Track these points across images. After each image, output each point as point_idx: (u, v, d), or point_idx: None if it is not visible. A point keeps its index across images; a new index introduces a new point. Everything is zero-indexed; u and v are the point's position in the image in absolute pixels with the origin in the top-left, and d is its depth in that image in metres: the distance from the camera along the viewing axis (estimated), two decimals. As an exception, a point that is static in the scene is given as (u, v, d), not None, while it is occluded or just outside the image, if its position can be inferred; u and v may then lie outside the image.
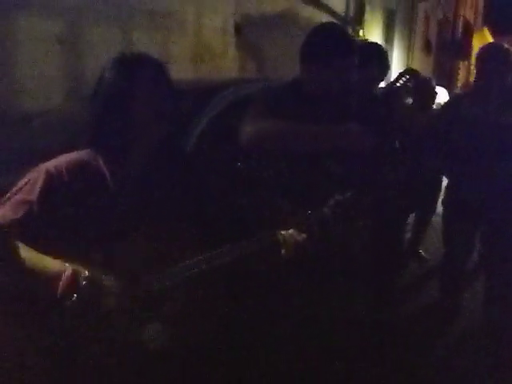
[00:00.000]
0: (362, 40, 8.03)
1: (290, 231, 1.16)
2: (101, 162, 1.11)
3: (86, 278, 0.98)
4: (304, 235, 1.15)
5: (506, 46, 2.29)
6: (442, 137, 2.35)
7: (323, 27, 1.61)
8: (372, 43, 2.99)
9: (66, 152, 1.13)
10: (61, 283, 0.96)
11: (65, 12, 3.13)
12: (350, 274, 1.46)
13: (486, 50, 2.32)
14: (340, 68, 1.44)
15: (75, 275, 0.98)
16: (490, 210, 2.26)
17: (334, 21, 7.86)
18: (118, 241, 1.05)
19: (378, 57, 2.35)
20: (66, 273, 0.97)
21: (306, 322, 1.39)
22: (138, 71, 1.10)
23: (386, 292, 2.41)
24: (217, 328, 1.16)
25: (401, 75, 2.00)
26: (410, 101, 2.84)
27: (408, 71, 2.07)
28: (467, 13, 19.61)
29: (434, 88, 2.25)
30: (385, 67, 2.41)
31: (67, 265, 0.99)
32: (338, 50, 1.43)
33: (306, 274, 1.30)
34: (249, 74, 5.49)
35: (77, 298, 0.96)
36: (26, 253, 0.99)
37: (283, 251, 1.15)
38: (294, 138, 1.41)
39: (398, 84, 1.99)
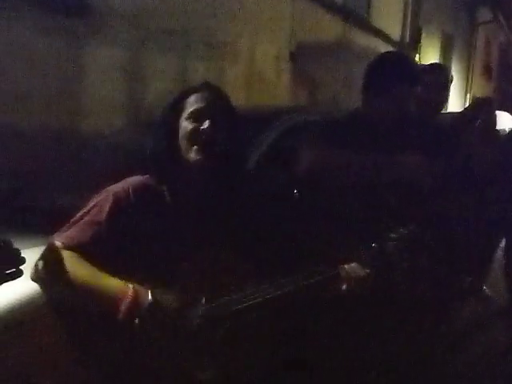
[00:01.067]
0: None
1: (353, 265, 1.10)
2: (163, 186, 1.13)
3: (149, 302, 0.97)
4: (367, 270, 1.08)
5: None
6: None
7: (386, 56, 1.58)
8: (435, 65, 2.86)
9: (128, 175, 1.17)
10: (123, 305, 0.96)
11: (129, 42, 3.32)
12: (412, 312, 1.36)
13: None
14: (403, 97, 1.39)
15: (138, 297, 0.97)
16: None
17: (389, 47, 7.79)
18: (178, 264, 1.05)
19: (441, 80, 2.24)
20: (129, 294, 0.97)
21: (362, 361, 1.30)
22: (185, 101, 1.11)
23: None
24: (269, 364, 1.10)
25: (477, 103, 1.90)
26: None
27: (484, 99, 1.96)
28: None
29: (495, 109, 2.12)
30: (447, 91, 2.30)
31: (129, 285, 0.99)
32: (401, 80, 1.39)
33: (366, 311, 1.22)
34: (303, 100, 5.51)
35: (139, 321, 0.95)
36: (86, 270, 1.01)
37: (344, 286, 1.09)
38: (352, 168, 1.37)
39: (470, 111, 1.89)
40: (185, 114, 1.09)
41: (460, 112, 2.25)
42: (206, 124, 1.06)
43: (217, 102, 1.12)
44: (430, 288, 1.50)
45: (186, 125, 1.09)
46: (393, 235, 1.14)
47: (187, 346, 0.99)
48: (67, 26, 2.84)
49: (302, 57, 5.49)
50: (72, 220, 1.09)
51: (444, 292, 2.09)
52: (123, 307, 0.96)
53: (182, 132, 1.09)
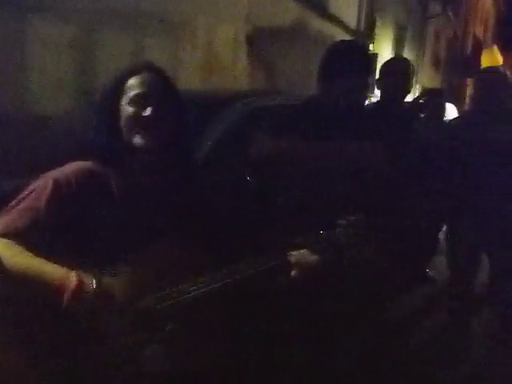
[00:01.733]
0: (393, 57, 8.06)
1: (302, 251, 1.12)
2: (108, 171, 1.08)
3: (94, 288, 0.93)
4: (316, 256, 1.11)
5: (502, 69, 2.31)
6: (451, 153, 2.33)
7: (340, 44, 1.60)
8: (400, 59, 2.94)
9: (73, 159, 1.11)
10: (65, 293, 0.92)
11: (78, 17, 3.15)
12: (362, 297, 1.41)
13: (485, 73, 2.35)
14: (355, 85, 1.42)
15: (82, 284, 0.93)
16: (498, 228, 2.23)
17: (345, 34, 7.92)
18: (124, 252, 1.02)
19: (404, 73, 2.31)
20: (72, 282, 0.93)
21: (313, 345, 1.35)
22: (125, 85, 1.05)
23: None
24: (219, 352, 1.11)
25: (425, 93, 1.98)
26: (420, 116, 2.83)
27: (434, 90, 2.05)
28: (477, 30, 19.69)
29: (444, 99, 2.24)
30: (409, 83, 2.37)
31: (72, 273, 0.95)
32: (354, 68, 1.41)
33: (316, 297, 1.26)
34: (259, 84, 5.50)
35: (81, 310, 0.93)
36: (25, 258, 0.96)
37: (293, 272, 1.09)
38: (306, 155, 1.39)
39: (421, 101, 1.97)
40: (125, 99, 1.04)
41: (411, 101, 2.35)
42: (148, 111, 1.02)
43: (159, 86, 1.07)
44: (377, 273, 1.56)
45: (126, 109, 1.04)
46: (341, 222, 1.17)
47: (136, 335, 0.97)
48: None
49: (259, 40, 5.46)
50: (8, 206, 1.02)
51: (390, 277, 2.21)
52: (66, 295, 0.92)
53: (123, 117, 1.04)
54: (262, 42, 5.53)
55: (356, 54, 1.49)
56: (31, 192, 1.04)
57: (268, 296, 1.17)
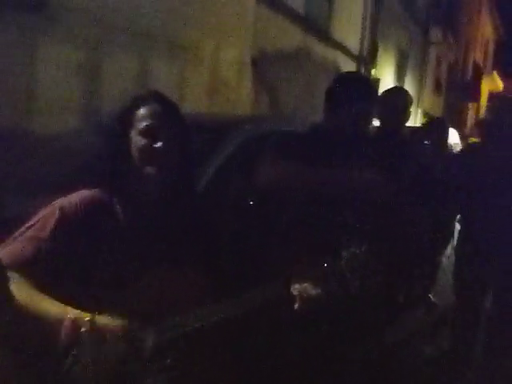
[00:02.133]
0: (375, 81, 8.18)
1: (305, 285, 1.09)
2: (114, 200, 1.09)
3: (86, 330, 0.92)
4: (319, 289, 1.10)
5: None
6: (458, 181, 2.34)
7: (346, 75, 1.65)
8: (396, 89, 3.00)
9: (79, 182, 1.12)
10: (62, 332, 0.91)
11: (86, 39, 3.22)
12: (363, 329, 1.40)
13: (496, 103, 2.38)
14: (360, 115, 1.45)
15: (76, 324, 0.92)
16: (505, 259, 2.22)
17: (347, 59, 8.05)
18: (128, 282, 1.01)
19: (401, 104, 2.35)
20: (66, 322, 0.92)
21: (315, 378, 1.32)
22: (135, 115, 1.05)
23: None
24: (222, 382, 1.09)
25: (428, 124, 2.01)
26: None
27: (437, 120, 2.07)
28: (477, 57, 20.01)
29: (448, 128, 2.26)
30: (407, 114, 2.41)
31: (69, 310, 0.94)
32: (358, 98, 1.45)
33: (318, 329, 1.24)
34: (262, 108, 5.57)
35: (77, 350, 0.91)
36: (27, 292, 0.95)
37: (296, 306, 1.08)
38: (309, 182, 1.40)
39: (425, 130, 2.00)
40: (135, 129, 1.06)
41: (414, 129, 2.37)
42: (159, 143, 1.04)
43: (167, 117, 1.09)
44: (380, 302, 1.55)
45: (137, 140, 1.05)
46: (345, 254, 1.15)
47: (136, 370, 0.95)
48: (22, 21, 2.72)
49: (264, 64, 5.55)
50: (15, 234, 1.02)
51: (393, 304, 2.19)
52: (62, 335, 0.91)
53: (134, 147, 1.05)
54: (266, 65, 5.62)
55: (361, 84, 1.52)
56: (38, 221, 1.04)
57: (270, 328, 1.16)
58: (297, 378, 1.31)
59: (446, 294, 3.22)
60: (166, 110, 1.10)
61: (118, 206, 1.08)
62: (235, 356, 1.14)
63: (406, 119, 2.34)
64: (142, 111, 1.08)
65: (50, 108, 2.95)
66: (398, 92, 2.42)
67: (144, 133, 1.06)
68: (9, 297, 0.92)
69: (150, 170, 1.05)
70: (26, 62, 2.81)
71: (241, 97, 5.22)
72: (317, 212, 1.39)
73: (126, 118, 1.08)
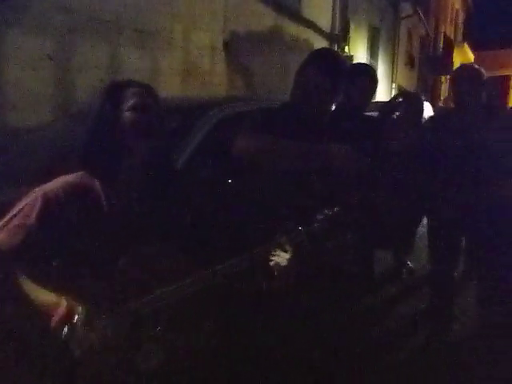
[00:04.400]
0: (349, 58, 8.23)
1: (281, 253, 1.17)
2: (95, 183, 1.13)
3: (79, 317, 0.99)
4: (293, 253, 1.17)
5: (475, 66, 2.41)
6: (430, 151, 2.42)
7: (316, 52, 1.68)
8: (361, 64, 3.05)
9: (59, 171, 1.15)
10: (53, 319, 0.98)
11: (54, 30, 3.16)
12: (339, 288, 1.48)
13: (459, 72, 2.45)
14: (331, 90, 1.50)
15: (69, 312, 0.99)
16: (474, 222, 2.33)
17: (320, 37, 8.06)
18: (114, 260, 1.06)
19: (368, 78, 2.40)
20: (60, 309, 0.99)
21: (294, 340, 1.40)
22: (123, 95, 1.15)
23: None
24: (208, 348, 1.16)
25: (395, 97, 2.07)
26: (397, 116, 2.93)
27: (404, 94, 2.12)
28: (448, 29, 20.21)
29: (423, 103, 2.33)
30: (374, 86, 2.46)
31: (63, 300, 1.00)
32: (326, 74, 1.49)
33: (296, 291, 1.32)
34: (237, 89, 5.57)
35: (67, 332, 0.98)
36: (19, 283, 0.99)
37: (276, 271, 1.16)
38: (283, 156, 1.45)
39: (397, 100, 2.06)
40: (125, 106, 1.14)
41: (387, 102, 2.42)
42: (147, 116, 1.14)
43: (150, 96, 1.19)
44: (355, 264, 1.63)
45: (127, 115, 1.13)
46: (318, 217, 1.22)
47: (127, 340, 1.02)
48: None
49: (236, 46, 5.53)
50: (1, 223, 1.05)
51: (369, 268, 2.29)
52: (55, 321, 0.98)
53: (124, 120, 1.13)
54: (238, 47, 5.60)
55: (329, 60, 1.57)
56: (22, 209, 1.06)
57: (252, 294, 1.22)
58: (276, 343, 1.39)
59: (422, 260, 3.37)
60: (148, 91, 1.21)
61: (99, 189, 1.13)
62: (218, 324, 1.21)
63: (371, 98, 2.40)
64: (129, 91, 1.17)
65: (21, 101, 2.92)
66: (363, 71, 2.46)
67: (134, 108, 1.14)
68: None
69: (137, 140, 1.13)
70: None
71: (214, 80, 5.21)
72: (290, 183, 1.45)
73: (114, 97, 1.16)
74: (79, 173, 1.14)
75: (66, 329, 0.98)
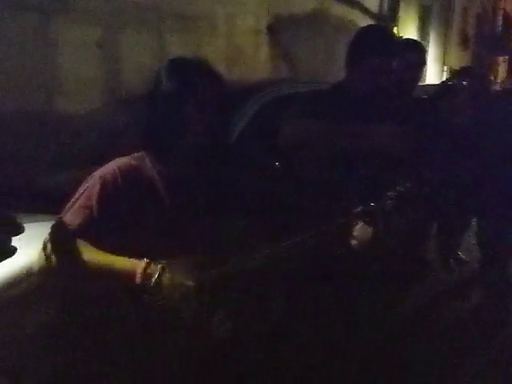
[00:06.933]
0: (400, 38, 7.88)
1: (360, 225, 1.20)
2: (150, 164, 1.19)
3: (161, 268, 1.07)
4: (372, 229, 1.18)
5: None
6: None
7: (366, 30, 1.61)
8: (410, 40, 2.89)
9: (113, 155, 1.20)
10: (138, 274, 1.07)
11: (101, 17, 3.24)
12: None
13: None
14: (382, 71, 1.44)
15: (149, 269, 1.07)
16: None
17: (367, 18, 7.75)
18: (175, 238, 1.13)
19: (417, 55, 2.27)
20: (142, 264, 1.07)
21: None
22: (186, 75, 1.17)
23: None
24: (282, 316, 1.21)
25: (454, 74, 1.95)
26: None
27: (465, 70, 2.00)
28: (508, 6, 18.83)
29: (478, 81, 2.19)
30: (422, 64, 2.33)
31: (139, 260, 1.08)
32: (379, 54, 1.43)
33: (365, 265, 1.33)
34: (282, 73, 5.49)
35: (154, 284, 1.05)
36: (96, 254, 1.10)
37: (354, 242, 1.20)
38: (335, 138, 1.42)
39: (450, 83, 1.95)
40: (189, 97, 1.14)
41: (439, 84, 2.31)
42: (210, 93, 1.15)
43: (212, 75, 1.20)
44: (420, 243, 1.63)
45: (189, 108, 1.14)
46: (390, 193, 1.23)
47: (201, 306, 1.09)
48: (37, 3, 2.76)
49: (280, 30, 5.43)
50: (67, 205, 1.16)
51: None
52: (137, 280, 1.06)
53: (187, 99, 1.14)
54: (283, 30, 5.50)
55: (381, 40, 1.50)
56: (83, 192, 1.17)
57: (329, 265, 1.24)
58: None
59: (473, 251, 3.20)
60: (209, 69, 1.22)
61: (154, 170, 1.19)
62: (292, 294, 1.24)
63: (420, 76, 2.28)
64: (192, 68, 1.19)
65: (73, 88, 3.02)
66: (412, 46, 2.33)
67: (198, 100, 1.15)
68: (78, 258, 1.08)
69: (199, 117, 1.16)
70: (48, 45, 2.86)
71: (259, 64, 5.15)
72: (341, 167, 1.41)
73: (176, 75, 1.18)
74: (133, 155, 1.22)
75: (152, 281, 1.07)
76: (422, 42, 9.79)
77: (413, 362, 2.01)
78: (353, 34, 1.57)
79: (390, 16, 8.33)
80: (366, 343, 1.50)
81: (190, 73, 1.16)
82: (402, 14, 8.70)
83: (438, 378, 2.05)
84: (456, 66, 12.87)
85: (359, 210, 1.20)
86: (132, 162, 1.19)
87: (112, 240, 1.11)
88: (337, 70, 1.64)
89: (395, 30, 8.41)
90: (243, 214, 1.20)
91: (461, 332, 2.46)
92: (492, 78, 14.58)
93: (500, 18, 17.50)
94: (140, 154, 1.22)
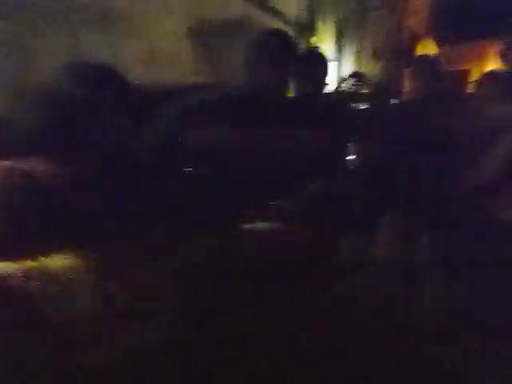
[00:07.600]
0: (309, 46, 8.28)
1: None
2: (44, 168, 1.14)
3: None
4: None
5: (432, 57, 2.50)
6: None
7: (264, 34, 1.67)
8: (312, 48, 3.07)
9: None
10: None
11: (12, 13, 3.03)
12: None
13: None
14: (277, 73, 1.51)
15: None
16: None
17: (287, 27, 8.04)
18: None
19: (318, 61, 2.42)
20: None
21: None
22: (89, 81, 1.13)
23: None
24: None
25: (345, 79, 2.11)
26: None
27: (355, 74, 2.18)
28: (412, 22, 20.56)
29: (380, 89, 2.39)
30: (324, 71, 2.48)
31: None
32: (276, 57, 1.50)
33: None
34: (202, 77, 5.51)
35: None
36: None
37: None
38: (236, 142, 1.48)
39: (343, 85, 2.11)
40: (93, 102, 1.12)
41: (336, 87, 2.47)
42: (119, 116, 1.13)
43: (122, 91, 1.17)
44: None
45: (92, 114, 1.11)
46: (297, 193, 1.30)
47: None
48: None
49: (202, 34, 5.45)
50: None
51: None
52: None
53: (88, 119, 1.11)
54: (205, 35, 5.53)
55: (278, 43, 1.57)
56: None
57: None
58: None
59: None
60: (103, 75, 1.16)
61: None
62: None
63: (321, 83, 2.44)
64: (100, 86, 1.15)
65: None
66: (312, 55, 2.48)
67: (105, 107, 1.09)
68: None
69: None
70: None
71: (180, 68, 5.13)
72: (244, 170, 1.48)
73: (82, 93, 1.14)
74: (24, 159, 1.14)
75: None
76: (337, 54, 10.38)
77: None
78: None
79: (308, 26, 8.73)
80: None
81: (94, 78, 1.14)
82: (319, 25, 9.16)
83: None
84: (370, 76, 13.79)
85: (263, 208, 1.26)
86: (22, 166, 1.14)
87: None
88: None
89: (313, 40, 8.84)
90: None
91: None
92: (398, 88, 15.77)
93: (405, 34, 19.06)
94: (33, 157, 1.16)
